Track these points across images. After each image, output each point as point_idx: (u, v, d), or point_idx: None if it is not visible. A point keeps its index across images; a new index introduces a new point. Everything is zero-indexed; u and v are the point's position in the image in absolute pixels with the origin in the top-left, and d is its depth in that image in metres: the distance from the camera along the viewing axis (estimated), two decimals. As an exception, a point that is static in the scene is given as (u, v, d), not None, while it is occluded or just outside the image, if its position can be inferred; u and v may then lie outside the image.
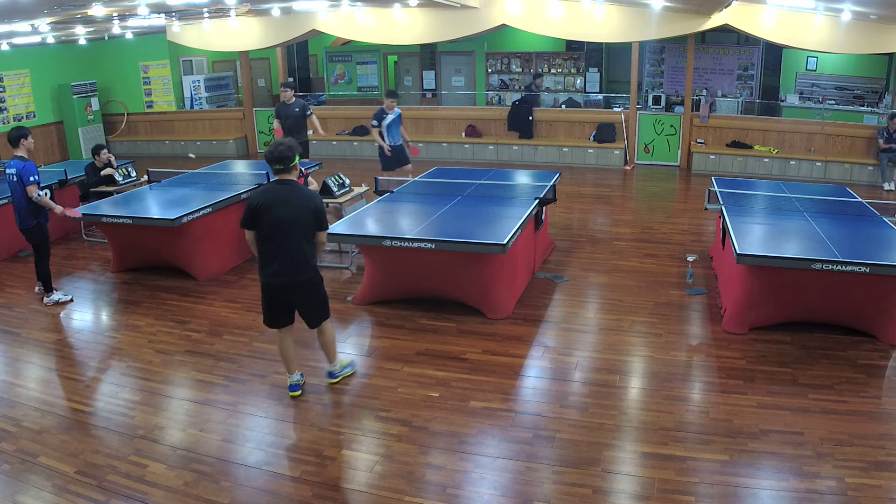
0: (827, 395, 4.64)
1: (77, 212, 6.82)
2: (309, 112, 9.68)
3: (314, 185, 7.66)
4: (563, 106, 14.27)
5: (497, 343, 5.53)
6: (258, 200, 4.50)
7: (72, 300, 6.66)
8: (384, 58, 16.69)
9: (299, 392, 4.86)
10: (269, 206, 4.47)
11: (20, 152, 6.24)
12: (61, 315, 6.49)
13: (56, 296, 6.63)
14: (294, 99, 9.67)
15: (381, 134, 9.17)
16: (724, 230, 6.18)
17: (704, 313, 6.07)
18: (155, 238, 6.92)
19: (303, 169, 7.74)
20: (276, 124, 9.68)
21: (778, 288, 5.39)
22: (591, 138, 12.96)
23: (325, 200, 7.36)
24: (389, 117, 9.16)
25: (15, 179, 6.23)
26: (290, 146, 4.52)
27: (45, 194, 6.33)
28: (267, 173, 7.96)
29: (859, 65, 13.32)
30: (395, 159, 9.29)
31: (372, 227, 6.39)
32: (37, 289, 6.84)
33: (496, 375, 5.03)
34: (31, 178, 6.16)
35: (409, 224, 6.37)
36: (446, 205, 6.86)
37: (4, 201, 7.86)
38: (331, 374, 5.01)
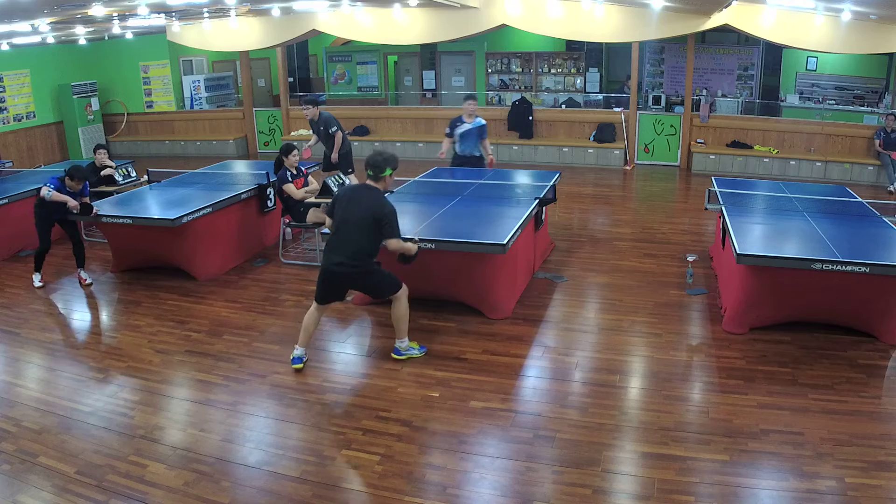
0: (827, 395, 4.64)
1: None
2: (333, 129, 8.76)
3: (314, 186, 7.66)
4: (563, 106, 14.28)
5: (497, 343, 5.53)
6: (341, 194, 5.08)
7: (43, 286, 7.06)
8: (384, 58, 16.70)
9: (300, 366, 5.12)
10: (345, 202, 4.98)
11: (68, 184, 6.76)
12: (61, 315, 6.49)
13: (35, 279, 7.12)
14: (319, 115, 8.83)
15: (450, 143, 8.39)
16: (724, 230, 6.18)
17: (704, 313, 6.07)
18: (155, 238, 6.91)
19: (303, 169, 7.77)
20: (312, 140, 9.13)
21: (778, 288, 5.38)
22: (591, 138, 12.96)
23: (324, 200, 7.43)
24: (465, 126, 8.24)
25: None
26: (385, 158, 4.97)
27: (50, 188, 6.71)
28: (267, 173, 7.96)
29: (859, 65, 13.32)
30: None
31: (372, 227, 6.37)
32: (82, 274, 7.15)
33: (496, 375, 5.03)
34: (46, 193, 6.75)
35: (408, 224, 6.35)
36: (446, 205, 6.86)
37: (4, 201, 7.87)
38: (395, 351, 5.27)
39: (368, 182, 5.02)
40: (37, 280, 7.08)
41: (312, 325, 5.16)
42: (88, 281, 7.06)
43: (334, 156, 8.75)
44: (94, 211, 6.78)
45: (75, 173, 6.73)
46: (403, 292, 5.17)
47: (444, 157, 8.56)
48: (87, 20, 9.78)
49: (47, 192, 6.66)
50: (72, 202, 6.69)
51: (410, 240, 5.23)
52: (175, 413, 4.69)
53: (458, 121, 8.33)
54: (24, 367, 5.42)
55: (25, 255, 8.10)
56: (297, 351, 5.18)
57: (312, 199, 7.47)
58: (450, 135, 8.36)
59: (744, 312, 5.58)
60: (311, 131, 9.73)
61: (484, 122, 8.38)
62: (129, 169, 9.00)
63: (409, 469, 3.97)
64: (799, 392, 4.69)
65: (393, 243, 4.95)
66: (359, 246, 4.89)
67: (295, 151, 7.50)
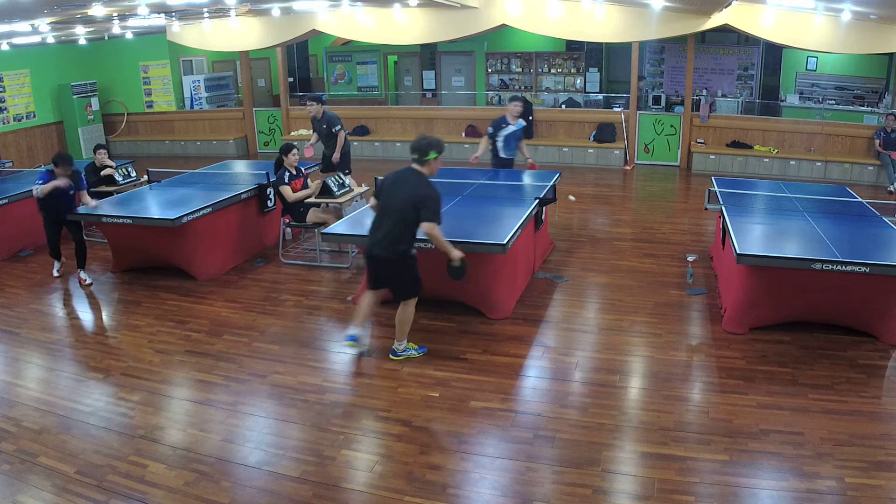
0: (827, 395, 4.64)
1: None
2: (336, 128, 8.67)
3: (313, 188, 7.65)
4: (563, 106, 14.28)
5: (497, 343, 5.53)
6: (386, 178, 5.09)
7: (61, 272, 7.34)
8: (384, 58, 16.70)
9: (352, 343, 5.27)
10: (388, 186, 5.02)
11: (56, 172, 6.86)
12: (61, 315, 6.49)
13: (55, 268, 7.38)
14: (322, 113, 8.74)
15: (494, 145, 8.05)
16: (724, 230, 6.18)
17: (704, 313, 6.07)
18: (155, 238, 6.91)
19: (302, 169, 7.77)
20: (313, 139, 9.03)
21: (778, 288, 5.38)
22: (591, 138, 12.96)
23: (324, 201, 7.43)
24: (511, 128, 7.97)
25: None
26: (430, 142, 4.97)
27: (38, 183, 6.84)
28: (267, 173, 7.96)
29: (859, 65, 13.31)
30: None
31: (372, 227, 6.38)
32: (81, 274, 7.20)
33: (496, 375, 5.03)
34: (36, 185, 6.87)
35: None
36: (446, 205, 6.83)
37: (4, 201, 7.87)
38: (392, 352, 5.30)
39: (414, 166, 4.97)
40: (55, 270, 7.35)
41: (367, 305, 5.25)
42: (88, 282, 7.06)
43: (336, 155, 8.68)
44: (95, 204, 6.95)
45: (59, 160, 6.78)
46: (415, 300, 5.17)
47: (477, 160, 8.13)
48: (87, 20, 9.78)
49: (36, 189, 6.76)
50: (61, 182, 6.78)
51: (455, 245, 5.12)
52: (175, 413, 4.69)
53: (502, 122, 8.00)
54: (24, 367, 5.42)
55: (25, 255, 8.11)
56: (352, 329, 5.31)
57: (312, 200, 7.47)
58: (493, 136, 8.03)
59: (744, 312, 5.58)
60: (310, 130, 9.71)
61: (524, 123, 8.17)
62: (129, 169, 9.00)
63: (409, 469, 3.97)
64: (799, 392, 4.69)
65: (427, 227, 4.85)
66: (390, 231, 4.91)
67: (294, 151, 7.49)
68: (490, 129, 8.08)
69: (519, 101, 8.03)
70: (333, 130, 8.70)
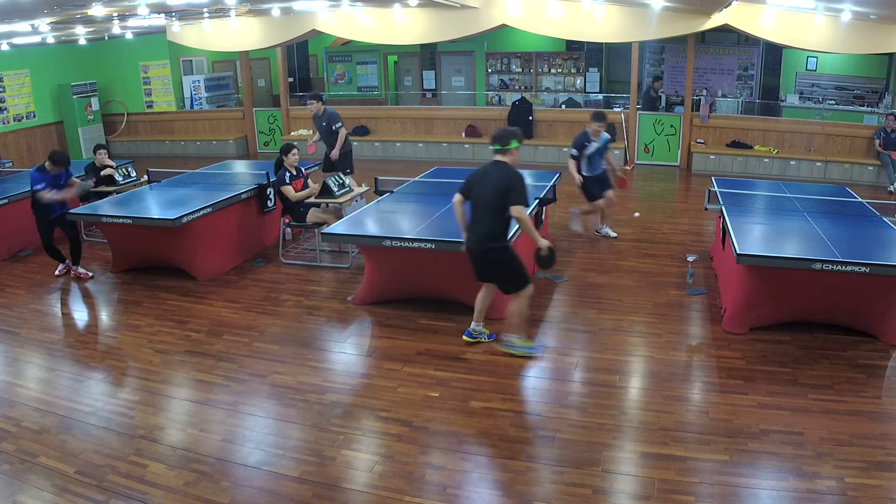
0: (827, 395, 4.64)
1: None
2: (337, 126, 8.62)
3: (314, 188, 7.65)
4: (563, 106, 14.27)
5: (497, 343, 5.53)
6: (473, 175, 5.15)
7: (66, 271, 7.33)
8: (384, 58, 16.70)
9: (469, 339, 5.45)
10: (476, 181, 5.09)
11: (47, 168, 6.88)
12: (61, 315, 6.49)
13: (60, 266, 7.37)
14: (323, 111, 8.70)
15: (578, 166, 7.79)
16: (724, 230, 6.18)
17: (704, 313, 6.07)
18: (155, 238, 6.92)
19: (303, 170, 7.77)
20: (315, 136, 9.01)
21: (778, 288, 5.39)
22: (591, 138, 12.93)
23: (324, 201, 7.43)
24: (594, 145, 7.72)
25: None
26: (510, 131, 5.09)
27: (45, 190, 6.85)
28: (267, 173, 7.96)
29: (859, 65, 13.31)
30: (597, 186, 7.91)
31: (372, 227, 6.39)
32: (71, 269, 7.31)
33: (496, 375, 5.03)
34: (37, 186, 6.83)
35: (409, 224, 6.37)
36: (446, 205, 6.85)
37: (4, 201, 7.87)
38: (505, 343, 5.33)
39: (496, 157, 5.05)
40: (58, 271, 7.34)
41: (480, 301, 5.38)
42: (89, 274, 7.08)
43: (335, 153, 8.65)
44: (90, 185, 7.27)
45: (57, 157, 6.83)
46: (528, 292, 5.15)
47: (581, 185, 7.87)
48: (87, 20, 9.78)
49: (50, 193, 6.81)
50: (66, 194, 6.94)
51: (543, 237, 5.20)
52: (175, 413, 4.69)
53: (584, 140, 7.71)
54: (24, 367, 5.43)
55: (25, 255, 8.11)
56: (472, 325, 5.46)
57: (312, 200, 7.47)
58: (576, 157, 7.76)
59: (744, 312, 5.58)
60: (310, 130, 9.71)
61: (608, 136, 7.94)
62: (129, 169, 8.99)
63: (409, 469, 3.97)
64: (799, 392, 4.69)
65: (516, 210, 4.87)
66: (488, 226, 4.99)
67: (294, 151, 7.48)
68: (574, 152, 7.79)
69: (602, 122, 7.73)
70: (334, 128, 8.66)
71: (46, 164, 6.84)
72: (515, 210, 4.88)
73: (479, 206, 5.04)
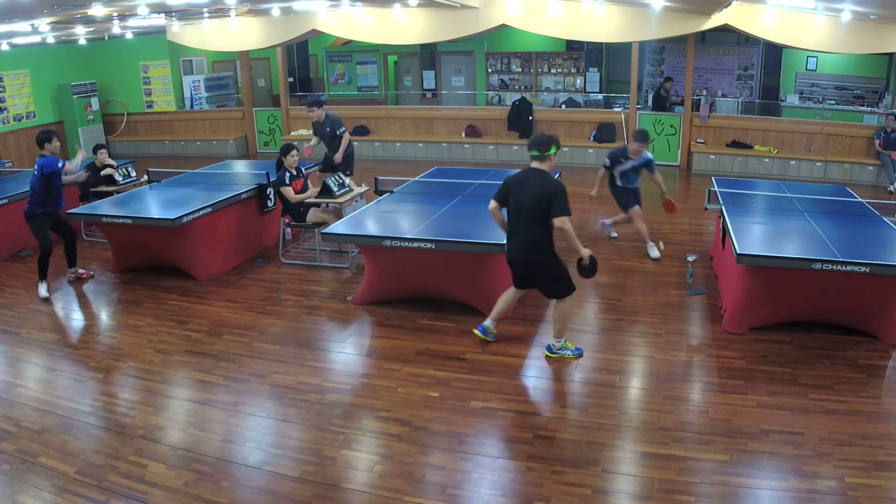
0: (827, 395, 4.64)
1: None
2: (340, 130, 8.63)
3: (313, 190, 7.64)
4: (563, 106, 14.27)
5: (497, 343, 5.53)
6: (511, 181, 5.06)
7: (48, 299, 6.74)
8: (384, 58, 16.70)
9: (481, 335, 5.45)
10: (515, 189, 5.00)
11: (45, 153, 6.68)
12: (61, 315, 6.49)
13: (42, 289, 6.79)
14: (325, 117, 8.66)
15: (605, 177, 7.75)
16: (724, 230, 6.18)
17: (704, 313, 6.07)
18: (155, 238, 6.92)
19: (302, 170, 7.77)
20: (313, 141, 8.99)
21: (778, 288, 5.39)
22: (591, 138, 12.95)
23: (324, 201, 7.43)
24: (630, 163, 7.60)
25: (36, 172, 6.63)
26: (549, 137, 5.00)
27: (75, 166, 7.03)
28: (267, 173, 7.96)
29: (859, 65, 13.32)
30: (632, 197, 7.80)
31: (372, 227, 6.39)
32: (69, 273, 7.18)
33: (496, 375, 5.03)
34: (59, 165, 6.65)
35: (409, 224, 6.37)
36: (446, 205, 6.87)
37: (4, 201, 7.87)
38: (548, 348, 5.29)
39: (534, 164, 4.98)
40: (43, 290, 6.75)
41: (503, 301, 5.36)
42: (89, 273, 7.00)
43: (338, 156, 8.64)
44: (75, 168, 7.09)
45: (42, 136, 6.68)
46: (569, 298, 5.15)
47: (591, 198, 7.92)
48: (87, 20, 9.78)
49: (72, 166, 6.91)
50: (79, 175, 7.06)
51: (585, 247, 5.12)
52: (175, 413, 4.69)
53: (621, 155, 7.63)
54: (24, 367, 5.42)
55: (25, 255, 8.11)
56: (486, 321, 5.45)
57: (312, 200, 7.47)
58: (609, 168, 7.70)
59: (744, 312, 5.58)
60: (310, 131, 9.69)
61: (650, 156, 7.71)
62: (130, 169, 9.00)
63: (409, 469, 3.97)
64: (799, 392, 4.69)
65: (559, 221, 4.83)
66: (531, 233, 4.93)
67: (294, 152, 7.48)
68: (607, 162, 7.74)
69: (643, 143, 7.55)
70: (338, 133, 8.65)
71: (46, 147, 6.64)
72: (559, 221, 4.84)
73: (519, 215, 4.97)
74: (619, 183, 7.75)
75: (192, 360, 5.39)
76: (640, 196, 7.86)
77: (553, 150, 4.98)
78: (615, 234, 8.24)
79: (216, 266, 7.28)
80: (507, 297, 5.38)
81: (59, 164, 6.62)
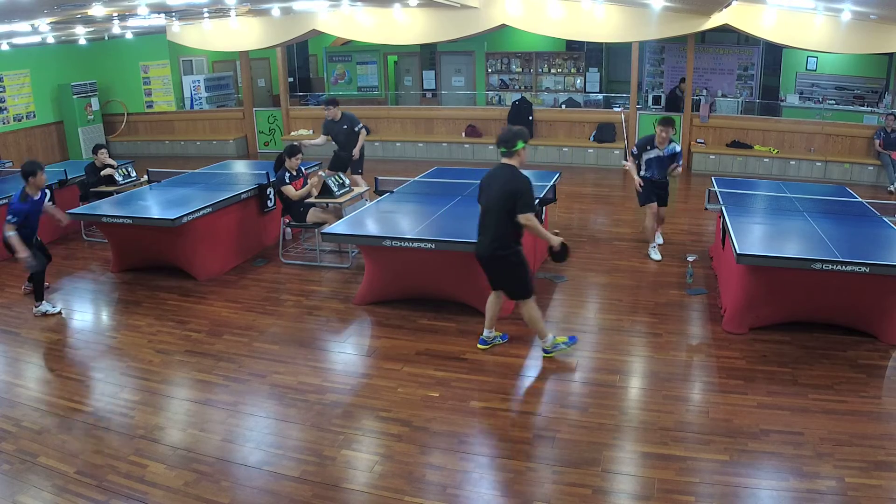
0: (827, 395, 4.64)
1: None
2: (358, 127, 8.82)
3: (313, 180, 7.64)
4: (563, 106, 14.27)
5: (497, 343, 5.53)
6: (483, 179, 5.14)
7: (60, 312, 6.37)
8: (384, 58, 16.69)
9: (485, 347, 5.40)
10: (484, 185, 5.09)
11: (29, 189, 6.16)
12: (61, 315, 6.48)
13: (44, 307, 6.35)
14: (341, 115, 8.86)
15: (637, 167, 7.40)
16: (724, 230, 6.18)
17: (704, 313, 6.07)
18: (155, 238, 6.92)
19: (303, 169, 7.77)
20: (319, 140, 9.10)
21: (778, 288, 5.39)
22: (591, 138, 12.96)
23: (324, 200, 7.43)
24: (655, 152, 7.27)
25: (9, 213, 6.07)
26: (515, 132, 4.97)
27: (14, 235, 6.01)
28: (267, 173, 7.96)
29: (859, 65, 13.32)
30: (653, 193, 7.46)
31: (372, 227, 6.39)
32: (24, 287, 6.85)
33: (496, 375, 5.03)
34: (9, 218, 6.02)
35: (409, 224, 6.37)
36: (446, 205, 6.87)
37: (4, 202, 7.87)
38: (544, 350, 5.29)
39: (503, 160, 5.00)
40: (49, 307, 6.36)
41: (490, 307, 5.34)
42: (56, 310, 6.39)
43: (356, 152, 8.86)
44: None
45: (28, 168, 6.03)
46: (530, 300, 5.14)
47: (640, 189, 7.43)
48: (87, 20, 9.78)
49: (12, 231, 5.98)
50: (23, 253, 5.98)
51: (555, 234, 5.23)
52: (175, 413, 4.69)
53: (648, 144, 7.32)
54: (24, 367, 5.42)
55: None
56: (484, 333, 5.43)
57: (313, 199, 7.47)
58: (636, 156, 7.42)
59: (744, 312, 5.58)
60: (310, 131, 9.71)
61: (679, 148, 7.37)
62: (130, 169, 9.00)
63: (409, 469, 3.97)
64: (799, 392, 4.69)
65: (523, 218, 4.85)
66: (495, 229, 4.94)
67: (299, 155, 7.46)
68: (634, 150, 7.50)
69: (666, 127, 7.16)
70: (356, 129, 8.85)
71: (30, 182, 6.10)
72: (523, 218, 4.86)
73: (487, 212, 5.00)
74: (643, 172, 7.44)
75: (192, 360, 5.39)
76: (664, 193, 7.53)
77: (520, 146, 4.95)
78: (661, 241, 7.90)
79: (216, 266, 7.28)
80: (490, 302, 5.35)
81: (12, 218, 5.97)
